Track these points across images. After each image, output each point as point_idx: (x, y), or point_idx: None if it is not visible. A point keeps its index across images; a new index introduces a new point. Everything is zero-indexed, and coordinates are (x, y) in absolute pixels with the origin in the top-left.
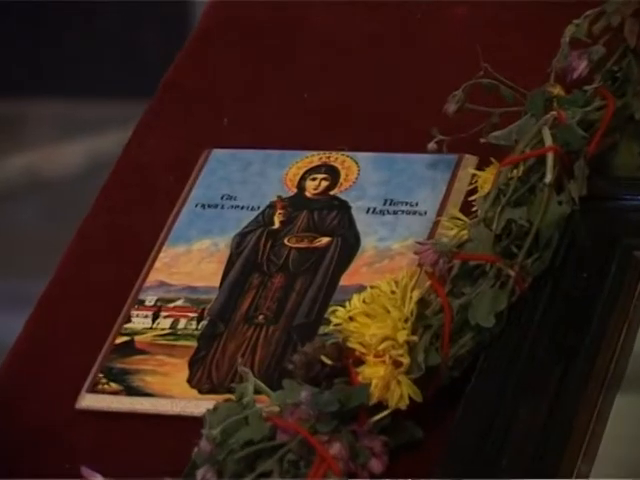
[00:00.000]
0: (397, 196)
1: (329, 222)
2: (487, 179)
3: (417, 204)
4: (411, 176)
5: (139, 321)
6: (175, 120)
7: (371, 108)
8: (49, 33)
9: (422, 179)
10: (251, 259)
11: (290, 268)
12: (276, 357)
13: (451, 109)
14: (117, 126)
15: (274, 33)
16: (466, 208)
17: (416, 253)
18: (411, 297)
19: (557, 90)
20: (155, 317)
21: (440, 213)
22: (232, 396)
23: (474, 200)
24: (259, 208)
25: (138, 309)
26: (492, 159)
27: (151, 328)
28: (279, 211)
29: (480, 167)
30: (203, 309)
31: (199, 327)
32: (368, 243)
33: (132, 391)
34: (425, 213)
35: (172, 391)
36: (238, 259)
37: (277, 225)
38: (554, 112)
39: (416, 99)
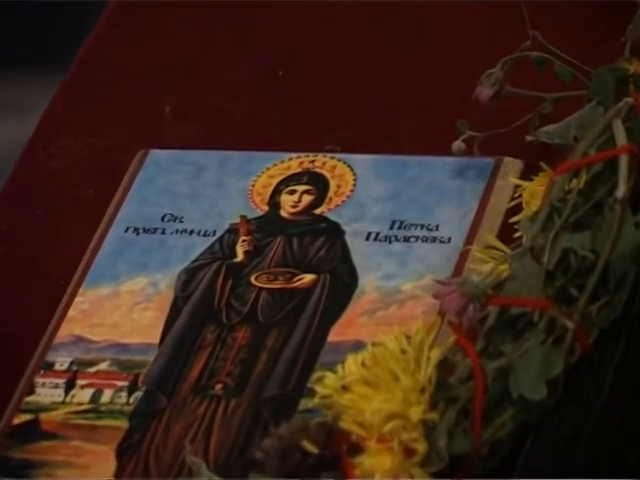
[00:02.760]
0: (409, 216)
1: (314, 253)
2: (535, 192)
3: (437, 227)
4: (429, 188)
5: (46, 392)
6: (96, 109)
7: (371, 92)
8: None
9: (444, 192)
10: (204, 305)
11: (259, 318)
12: (239, 442)
13: (485, 94)
14: (13, 117)
15: None
16: (506, 233)
17: (436, 297)
18: (429, 358)
19: (634, 67)
20: (69, 387)
21: (470, 240)
22: None
23: (517, 222)
24: (215, 233)
25: (45, 375)
26: (542, 164)
27: (63, 402)
28: (243, 237)
29: (526, 175)
30: (137, 375)
31: (131, 401)
32: (369, 282)
33: None
34: (449, 240)
35: None
36: (186, 305)
37: (240, 257)
38: (629, 98)
39: (435, 80)
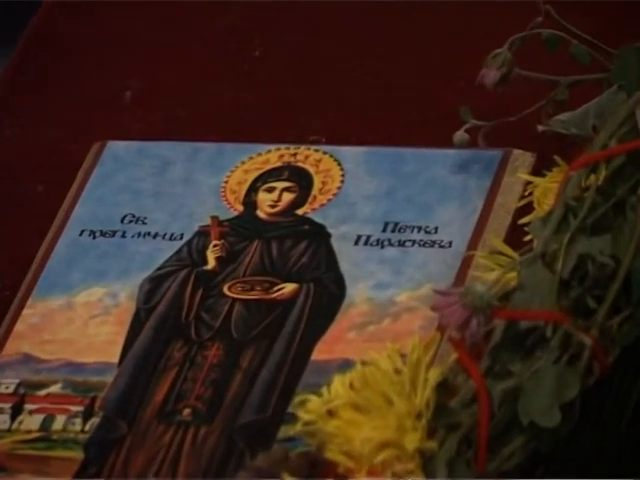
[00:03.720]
0: (405, 217)
1: (295, 259)
2: (548, 190)
3: (437, 230)
4: (427, 185)
5: None
6: (45, 94)
7: (362, 74)
8: None
9: (445, 189)
10: (170, 319)
11: (233, 333)
12: (211, 475)
13: (491, 78)
14: None
15: None
16: (515, 236)
17: (434, 309)
18: (426, 380)
19: None
20: (16, 412)
21: (473, 244)
22: None
23: (527, 224)
24: (182, 237)
25: None
26: (556, 158)
27: (10, 430)
28: (215, 242)
29: (537, 170)
30: (93, 399)
31: (87, 428)
32: (358, 293)
33: None
34: (449, 244)
35: None
36: (149, 319)
37: (212, 264)
38: None
39: (434, 62)
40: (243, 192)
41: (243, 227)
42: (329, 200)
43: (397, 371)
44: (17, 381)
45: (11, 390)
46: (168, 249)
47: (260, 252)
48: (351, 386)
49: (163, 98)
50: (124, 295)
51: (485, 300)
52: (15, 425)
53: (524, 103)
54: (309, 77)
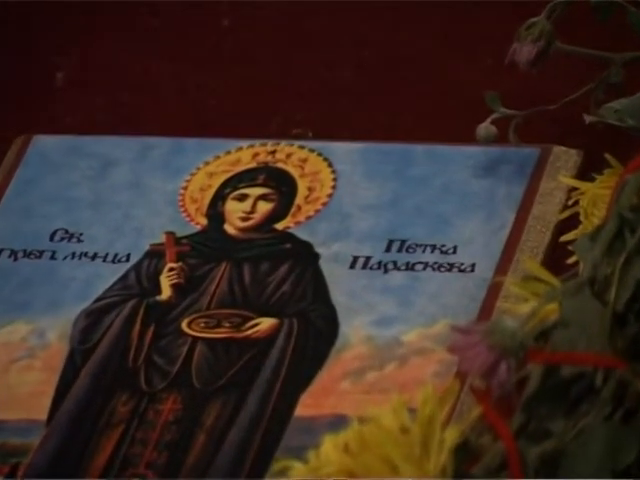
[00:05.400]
0: (414, 233)
1: (274, 287)
2: (598, 198)
3: (455, 250)
4: (443, 191)
5: None
6: None
7: (358, 51)
8: None
9: (466, 197)
10: (114, 363)
11: (194, 382)
12: None
13: (525, 55)
14: None
15: None
16: (555, 258)
17: (452, 351)
18: (442, 441)
19: None
20: None
21: (502, 268)
22: None
23: (572, 242)
24: (129, 258)
25: None
26: (608, 156)
27: None
28: (171, 265)
29: (585, 172)
30: (15, 466)
31: None
32: (355, 330)
33: None
34: (472, 268)
35: None
36: (87, 363)
37: (167, 294)
38: None
39: (450, 34)
40: (207, 201)
41: (207, 246)
42: (317, 211)
43: (404, 430)
44: None
45: None
46: (110, 274)
47: (229, 278)
48: (345, 449)
49: (104, 81)
50: (54, 333)
51: (517, 339)
52: None
53: (567, 87)
54: (291, 53)
